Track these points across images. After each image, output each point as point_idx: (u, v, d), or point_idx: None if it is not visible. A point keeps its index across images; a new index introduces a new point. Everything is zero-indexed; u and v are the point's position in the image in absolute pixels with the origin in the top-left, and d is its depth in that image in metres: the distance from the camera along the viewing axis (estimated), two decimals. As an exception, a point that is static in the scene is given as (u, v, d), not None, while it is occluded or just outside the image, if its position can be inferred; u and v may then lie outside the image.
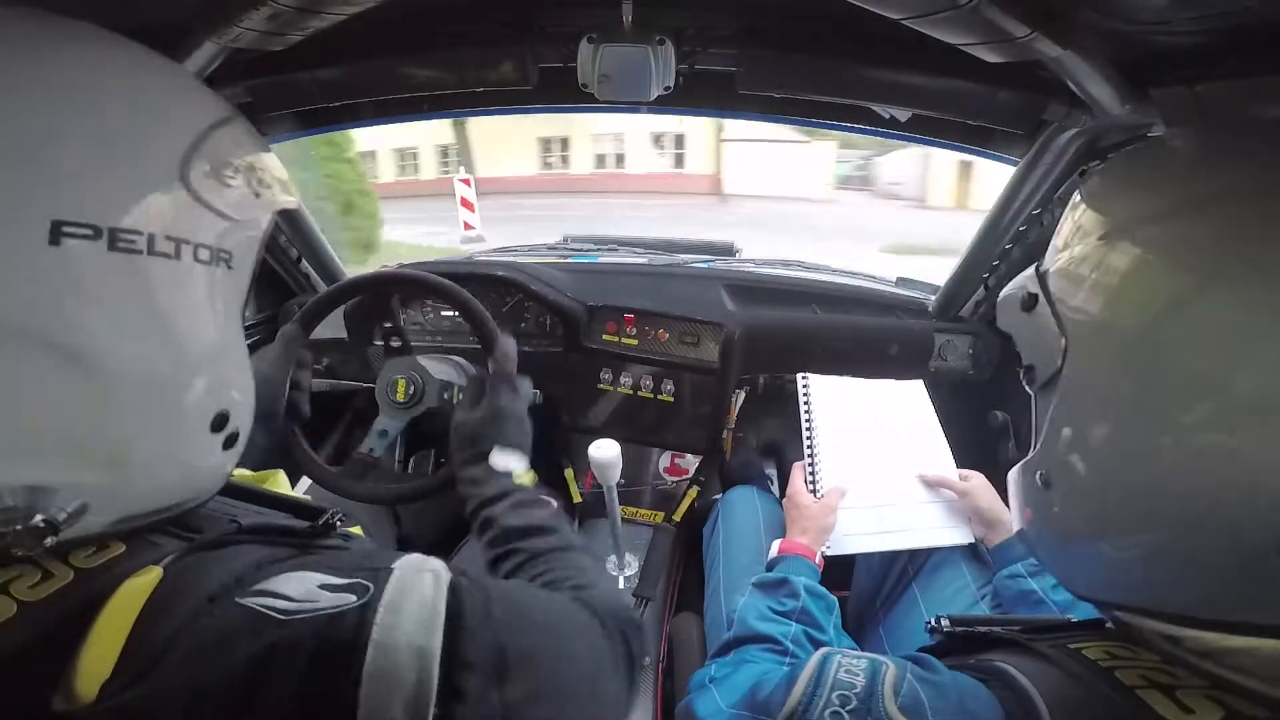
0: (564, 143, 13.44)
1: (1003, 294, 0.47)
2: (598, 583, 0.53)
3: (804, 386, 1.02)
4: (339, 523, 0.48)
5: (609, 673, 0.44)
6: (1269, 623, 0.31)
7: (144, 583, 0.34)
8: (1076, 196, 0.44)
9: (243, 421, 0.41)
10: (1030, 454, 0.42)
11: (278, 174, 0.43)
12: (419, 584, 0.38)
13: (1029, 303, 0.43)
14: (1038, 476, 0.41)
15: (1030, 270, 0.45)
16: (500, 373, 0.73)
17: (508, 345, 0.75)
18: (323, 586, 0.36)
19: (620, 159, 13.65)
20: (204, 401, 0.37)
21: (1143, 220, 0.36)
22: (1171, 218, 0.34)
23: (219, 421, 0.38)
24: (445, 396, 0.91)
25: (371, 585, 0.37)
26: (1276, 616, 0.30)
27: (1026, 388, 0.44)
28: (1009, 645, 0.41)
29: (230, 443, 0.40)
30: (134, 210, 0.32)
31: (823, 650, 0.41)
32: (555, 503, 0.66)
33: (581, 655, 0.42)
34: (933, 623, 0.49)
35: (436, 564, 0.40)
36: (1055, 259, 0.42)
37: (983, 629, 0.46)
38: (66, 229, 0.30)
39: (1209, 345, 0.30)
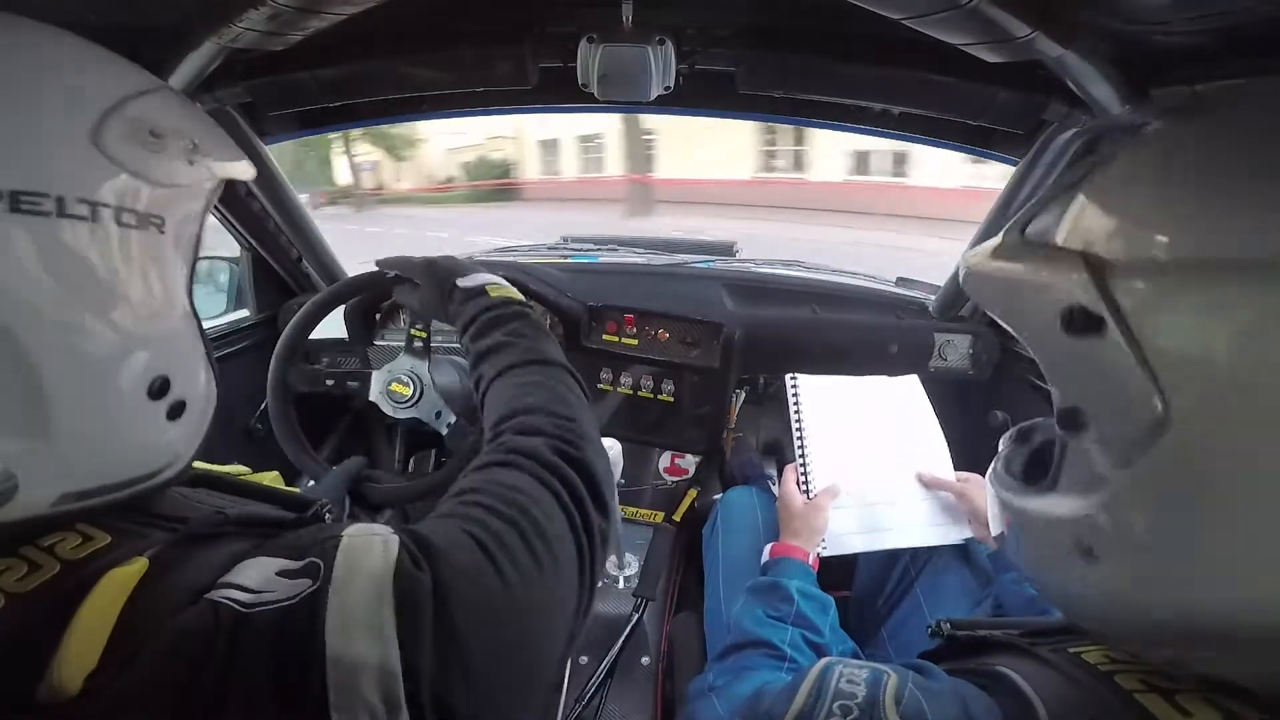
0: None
1: (1014, 296, 0.35)
2: (542, 395, 0.52)
3: (793, 387, 1.02)
4: (328, 514, 0.47)
5: (558, 537, 0.43)
6: None
7: (129, 573, 0.34)
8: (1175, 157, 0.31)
9: (190, 393, 0.40)
10: (1066, 509, 0.34)
11: (219, 144, 0.43)
12: (367, 556, 0.37)
13: (1083, 323, 0.30)
14: (1077, 543, 0.33)
15: (1084, 275, 0.30)
16: (402, 262, 0.74)
17: (390, 259, 0.76)
18: (280, 573, 0.35)
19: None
20: (135, 365, 0.37)
21: None
22: None
23: (157, 388, 0.38)
24: (437, 415, 0.91)
25: (322, 563, 0.36)
26: None
27: (1060, 431, 0.34)
28: (1010, 649, 0.41)
29: (175, 413, 0.39)
30: (37, 173, 0.32)
31: (825, 660, 0.41)
32: (527, 312, 0.64)
33: (537, 589, 0.41)
34: (934, 626, 0.49)
35: (384, 529, 0.39)
36: (1134, 264, 0.29)
37: (984, 633, 0.46)
38: None
39: None
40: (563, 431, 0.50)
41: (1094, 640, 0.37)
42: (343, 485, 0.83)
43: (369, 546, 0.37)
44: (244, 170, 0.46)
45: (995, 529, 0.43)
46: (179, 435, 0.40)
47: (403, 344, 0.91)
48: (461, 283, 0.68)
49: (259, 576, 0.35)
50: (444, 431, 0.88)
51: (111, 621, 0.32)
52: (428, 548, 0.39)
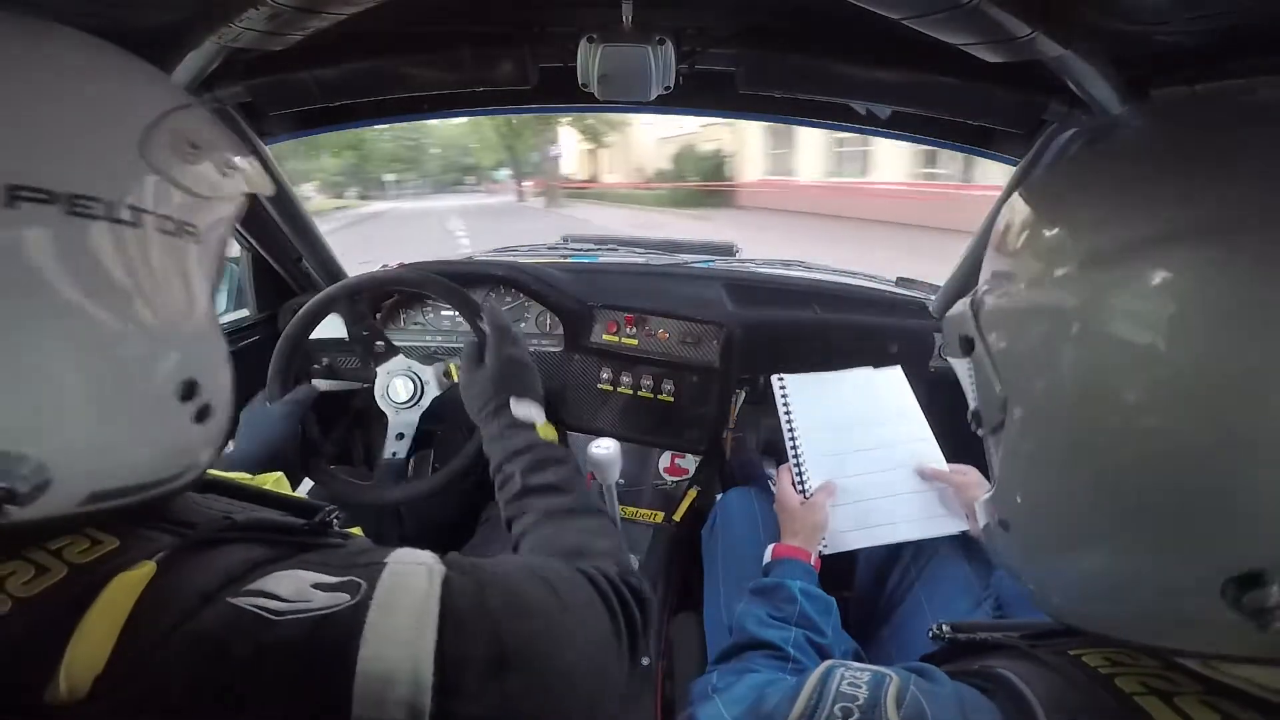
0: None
1: (945, 324, 0.44)
2: (604, 549, 0.53)
3: (781, 388, 1.02)
4: (335, 520, 0.48)
5: (607, 647, 0.44)
6: (1219, 653, 0.32)
7: (137, 576, 0.34)
8: (1014, 206, 0.39)
9: (216, 397, 0.41)
10: (989, 492, 0.42)
11: (243, 160, 0.45)
12: (412, 579, 0.38)
13: (966, 346, 0.40)
14: (995, 520, 0.41)
15: (965, 304, 0.41)
16: (496, 325, 0.73)
17: (493, 307, 0.75)
18: (316, 586, 0.36)
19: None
20: (169, 368, 0.38)
21: (1100, 255, 0.32)
22: (1141, 251, 0.30)
23: (187, 390, 0.38)
24: (446, 379, 0.92)
25: (364, 583, 0.36)
26: (1227, 648, 0.31)
27: (974, 430, 0.42)
28: (1010, 651, 0.41)
29: (203, 416, 0.40)
30: (91, 178, 0.33)
31: (828, 662, 0.41)
32: (574, 459, 0.66)
33: (579, 636, 0.42)
34: (935, 630, 0.50)
35: (429, 557, 0.40)
36: (989, 292, 0.39)
37: (984, 635, 0.46)
38: (23, 193, 0.31)
39: (1177, 387, 0.29)
40: (629, 571, 0.51)
41: (1094, 643, 0.37)
42: (295, 415, 0.85)
43: (414, 571, 0.38)
44: (266, 185, 0.47)
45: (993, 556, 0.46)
46: (203, 439, 0.41)
47: (403, 344, 0.92)
48: (515, 408, 0.67)
49: (293, 588, 0.35)
50: (456, 378, 0.91)
51: (119, 625, 0.32)
52: (479, 573, 0.40)
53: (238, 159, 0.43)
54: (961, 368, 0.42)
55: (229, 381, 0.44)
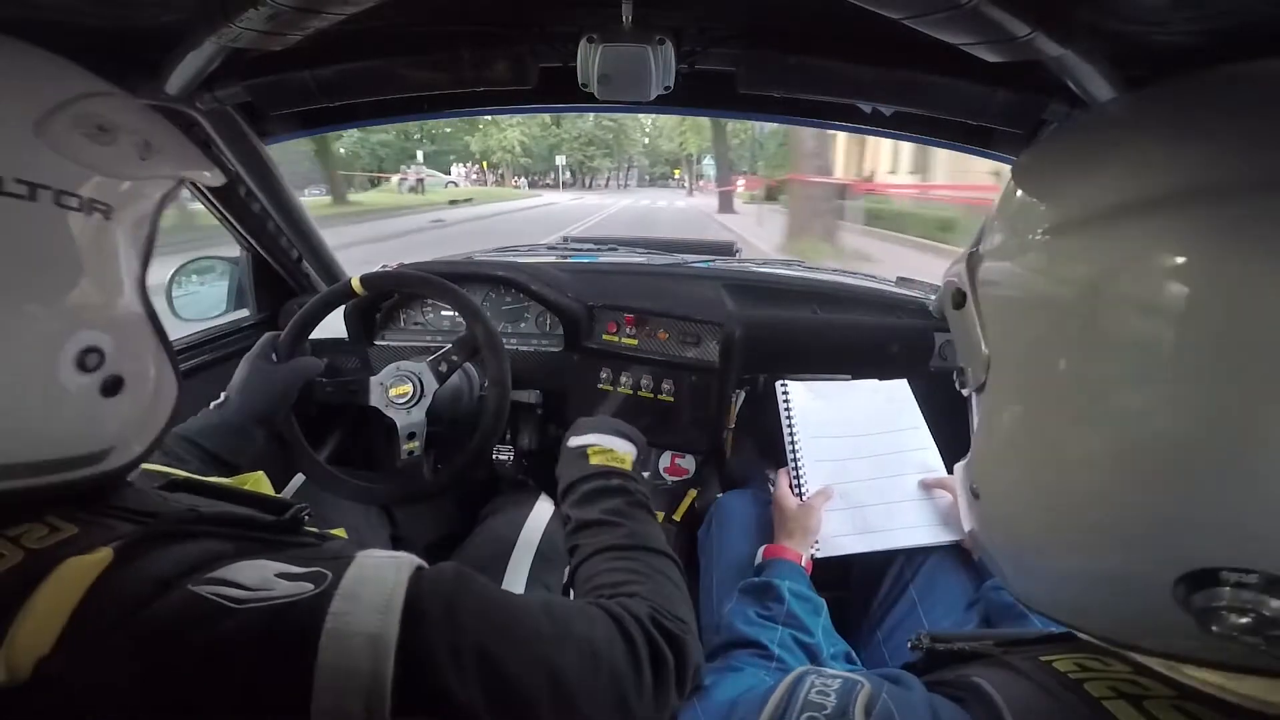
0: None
1: (945, 272, 0.43)
2: (647, 585, 0.52)
3: (784, 394, 1.02)
4: (307, 517, 0.48)
5: (610, 683, 0.42)
6: (1169, 651, 0.31)
7: (91, 561, 0.34)
8: (1010, 179, 0.39)
9: (130, 370, 0.41)
10: (966, 458, 0.41)
11: (179, 148, 0.46)
12: (379, 572, 0.37)
13: (958, 299, 0.40)
14: (970, 487, 0.40)
15: (963, 261, 0.40)
16: None
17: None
18: (280, 575, 0.36)
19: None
20: (64, 335, 0.38)
21: (1075, 220, 0.32)
22: (1111, 218, 0.30)
23: (88, 359, 0.38)
24: (443, 369, 0.92)
25: (330, 573, 0.36)
26: (1176, 647, 0.31)
27: (959, 389, 0.42)
28: (985, 659, 0.41)
29: (111, 389, 0.40)
30: None
31: (800, 669, 0.41)
32: (636, 485, 0.65)
33: (568, 664, 0.41)
34: (914, 640, 0.50)
35: (402, 555, 0.40)
36: (984, 249, 0.39)
37: (961, 645, 0.46)
38: None
39: (1137, 378, 0.29)
40: (664, 616, 0.49)
41: (1066, 649, 0.38)
42: (297, 381, 0.86)
43: (382, 565, 0.38)
44: (208, 177, 0.48)
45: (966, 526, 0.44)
46: (119, 416, 0.41)
47: (402, 344, 0.92)
48: (571, 441, 0.70)
49: (256, 577, 0.35)
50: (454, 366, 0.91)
51: (69, 608, 0.32)
52: (454, 576, 0.40)
53: (163, 141, 0.44)
54: (954, 323, 0.41)
55: (157, 367, 0.44)
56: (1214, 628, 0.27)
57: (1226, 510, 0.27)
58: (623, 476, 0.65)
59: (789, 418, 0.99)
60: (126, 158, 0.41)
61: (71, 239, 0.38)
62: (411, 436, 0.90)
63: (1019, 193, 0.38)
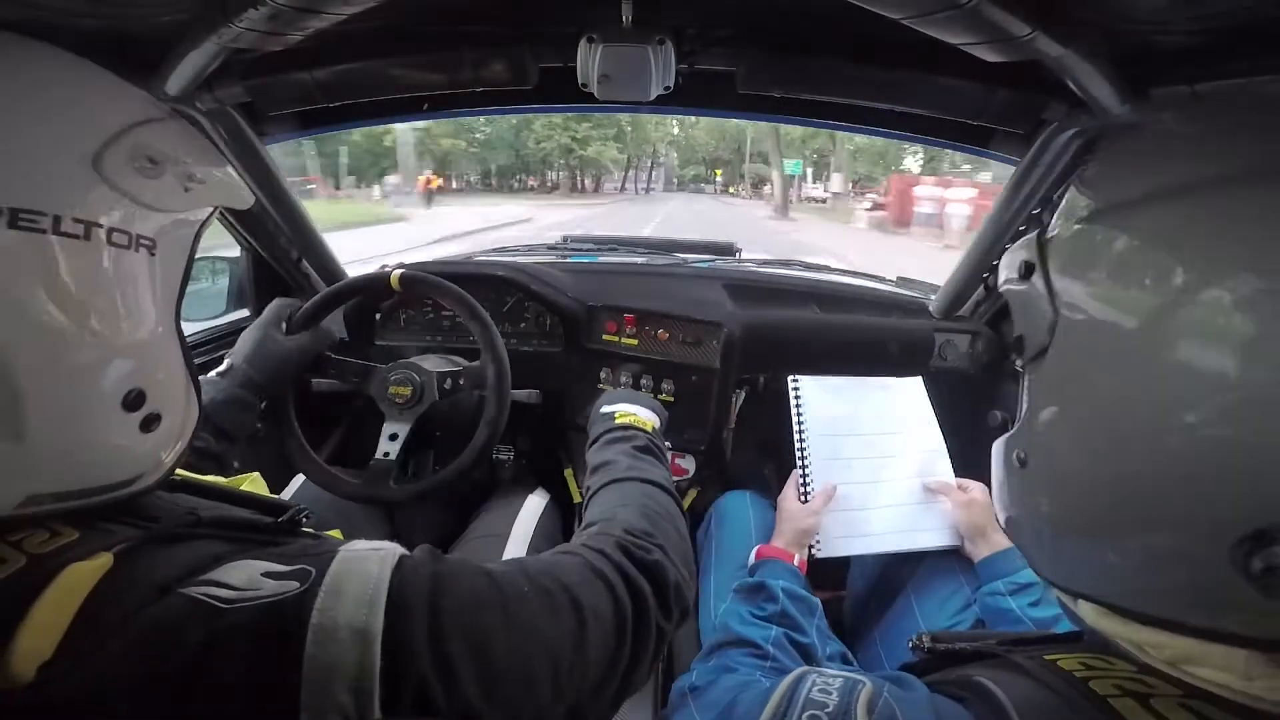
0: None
1: (1006, 254, 0.46)
2: (624, 512, 0.55)
3: (795, 389, 1.02)
4: (304, 519, 0.48)
5: (597, 629, 0.43)
6: (1218, 627, 0.31)
7: (92, 567, 0.34)
8: (1082, 170, 0.42)
9: (166, 407, 0.41)
10: (1014, 428, 0.42)
11: (219, 175, 0.45)
12: (363, 566, 0.38)
13: (1025, 270, 0.42)
14: (1015, 455, 0.41)
15: (1033, 235, 0.43)
16: None
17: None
18: (266, 574, 0.36)
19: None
20: (112, 377, 0.38)
21: (1138, 203, 0.35)
22: (1169, 201, 0.33)
23: (132, 400, 0.39)
24: (446, 386, 0.91)
25: (314, 570, 0.37)
26: (1226, 622, 0.31)
27: (1015, 360, 0.43)
28: (988, 658, 0.41)
29: (149, 425, 0.40)
30: (36, 192, 0.34)
31: (801, 669, 0.41)
32: (653, 440, 0.71)
33: (547, 628, 0.41)
34: (914, 640, 0.50)
35: (386, 546, 0.40)
36: (1056, 229, 0.41)
37: (962, 645, 0.46)
38: None
39: (1204, 339, 0.30)
40: (636, 538, 0.52)
41: (1070, 649, 0.37)
42: (306, 357, 0.87)
43: (365, 558, 0.38)
44: (238, 198, 0.47)
45: (995, 499, 0.45)
46: (153, 446, 0.41)
47: (402, 344, 0.91)
48: (603, 408, 0.78)
49: (244, 577, 0.36)
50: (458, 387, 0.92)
51: (70, 614, 0.33)
52: (432, 561, 0.40)
53: (206, 171, 0.43)
54: (1015, 294, 0.43)
55: (186, 393, 0.44)
56: (1270, 589, 0.27)
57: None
58: (641, 432, 0.72)
59: (799, 413, 0.99)
60: (172, 191, 0.41)
61: (120, 277, 0.38)
62: (393, 438, 0.89)
63: (1101, 168, 0.41)
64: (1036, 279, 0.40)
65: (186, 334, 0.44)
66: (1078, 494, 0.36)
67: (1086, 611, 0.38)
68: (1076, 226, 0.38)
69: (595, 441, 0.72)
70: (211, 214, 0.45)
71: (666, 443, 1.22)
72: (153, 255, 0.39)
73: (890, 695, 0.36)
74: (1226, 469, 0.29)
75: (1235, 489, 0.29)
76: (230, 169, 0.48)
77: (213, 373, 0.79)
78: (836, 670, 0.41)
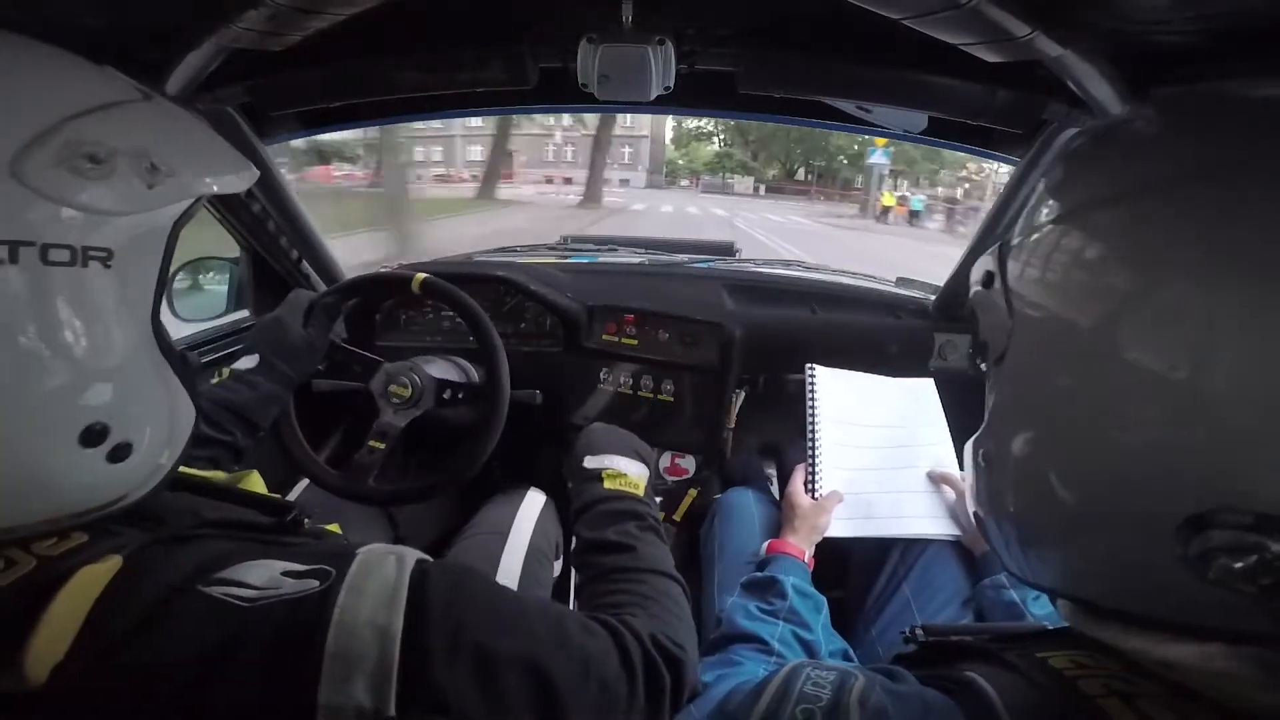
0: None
1: (976, 264, 0.46)
2: (653, 607, 0.52)
3: (811, 377, 1.02)
4: (308, 520, 0.48)
5: (599, 695, 0.42)
6: (1180, 620, 0.32)
7: (102, 570, 0.34)
8: (1043, 178, 0.43)
9: (137, 434, 0.37)
10: (980, 429, 0.43)
11: (200, 162, 0.40)
12: (382, 566, 0.38)
13: (987, 279, 0.43)
14: (980, 455, 0.42)
15: (996, 245, 0.44)
16: None
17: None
18: (286, 574, 0.36)
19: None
20: (64, 416, 0.34)
21: (1094, 204, 0.36)
22: (1111, 206, 0.34)
23: (94, 435, 0.35)
24: (444, 396, 0.91)
25: (334, 570, 0.37)
26: (1185, 614, 0.31)
27: (980, 365, 0.45)
28: (979, 654, 0.41)
29: (119, 455, 0.37)
30: None
31: (795, 662, 0.41)
32: (650, 510, 0.65)
33: (558, 669, 0.40)
34: (907, 633, 0.50)
35: (403, 549, 0.41)
36: (1016, 237, 0.42)
37: (955, 639, 0.46)
38: None
39: (1145, 341, 0.30)
40: (666, 635, 0.49)
41: (1061, 645, 0.38)
42: (326, 343, 0.86)
43: (383, 560, 0.39)
44: (233, 184, 0.42)
45: (968, 499, 0.46)
46: (131, 471, 0.38)
47: (402, 345, 0.91)
48: (587, 461, 0.69)
49: (264, 576, 0.36)
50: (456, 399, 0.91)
51: (81, 616, 0.33)
52: (454, 568, 0.41)
53: (178, 159, 0.38)
54: (979, 301, 0.44)
55: (165, 405, 0.40)
56: (1210, 575, 0.28)
57: (1218, 453, 0.28)
58: (636, 500, 0.66)
59: (813, 400, 0.99)
60: (128, 189, 0.35)
61: (67, 300, 0.33)
62: (382, 436, 0.89)
63: (1046, 181, 0.42)
64: (996, 286, 0.42)
65: (187, 334, 0.44)
66: (1035, 492, 0.37)
67: (1064, 609, 0.39)
68: (1030, 235, 0.39)
69: (587, 510, 0.64)
70: (193, 207, 0.39)
71: (666, 451, 1.22)
72: (108, 267, 0.34)
73: (882, 689, 0.37)
74: (1165, 459, 0.30)
75: (1174, 478, 0.30)
76: (222, 150, 0.43)
77: (242, 365, 0.78)
78: (831, 663, 0.41)
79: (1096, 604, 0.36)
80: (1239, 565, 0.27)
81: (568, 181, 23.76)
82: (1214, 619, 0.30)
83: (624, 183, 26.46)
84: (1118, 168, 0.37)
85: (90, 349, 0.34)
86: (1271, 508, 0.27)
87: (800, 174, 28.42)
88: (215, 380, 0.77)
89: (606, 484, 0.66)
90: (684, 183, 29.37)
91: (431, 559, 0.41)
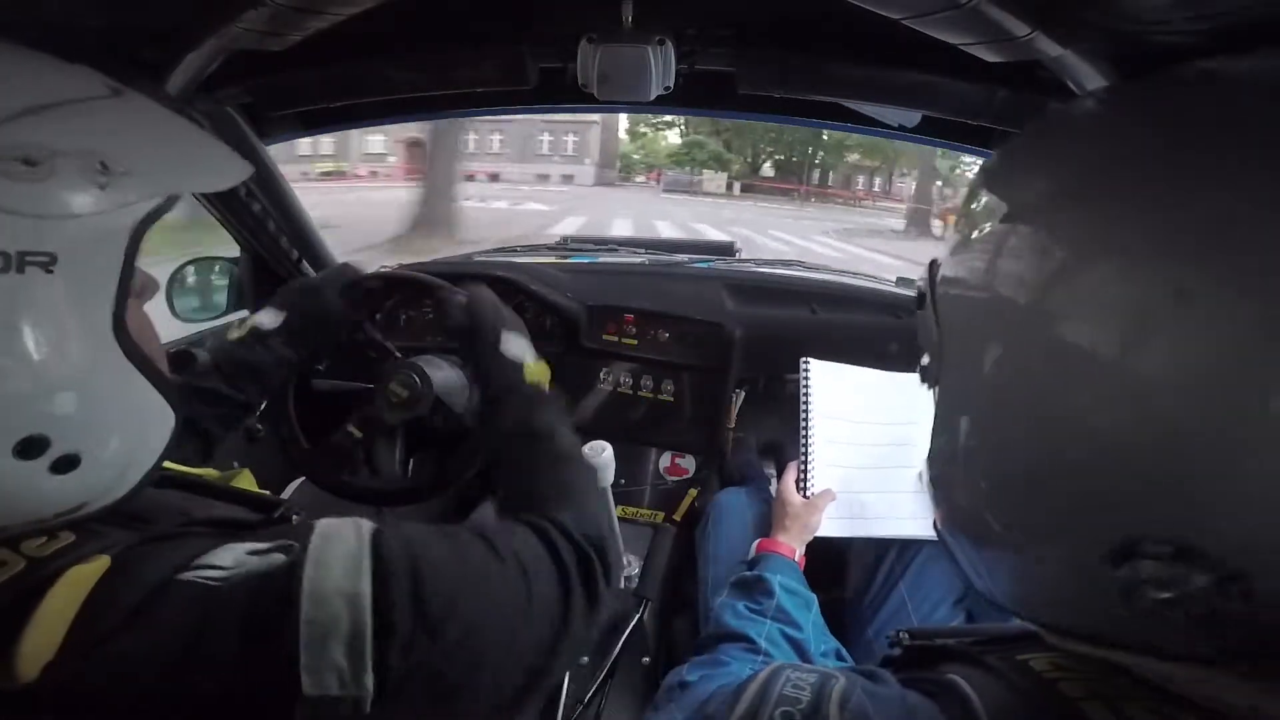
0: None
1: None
2: (571, 501, 0.55)
3: (805, 371, 1.01)
4: (296, 516, 0.49)
5: (547, 598, 0.46)
6: (1132, 641, 0.31)
7: (91, 569, 0.35)
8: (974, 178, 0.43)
9: (86, 445, 0.36)
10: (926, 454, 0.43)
11: (165, 160, 0.39)
12: (341, 536, 0.39)
13: (919, 301, 0.43)
14: (925, 476, 0.42)
15: (928, 265, 0.44)
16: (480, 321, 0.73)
17: (477, 293, 0.75)
18: (251, 553, 0.38)
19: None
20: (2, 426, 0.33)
21: (1000, 216, 0.35)
22: (1029, 214, 0.33)
23: (30, 447, 0.33)
24: (437, 418, 0.90)
25: (296, 543, 0.38)
26: (1138, 636, 0.31)
27: (924, 385, 0.44)
28: (962, 657, 0.41)
29: (63, 467, 0.35)
30: None
31: (775, 664, 0.41)
32: (556, 399, 0.69)
33: (506, 596, 0.44)
34: (893, 636, 0.50)
35: (359, 520, 0.42)
36: (945, 254, 0.42)
37: (940, 642, 0.46)
38: None
39: (1060, 351, 0.29)
40: (587, 522, 0.53)
41: (1043, 648, 0.37)
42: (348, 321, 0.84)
43: (343, 527, 0.40)
44: (212, 182, 0.42)
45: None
46: (81, 484, 0.37)
47: (403, 345, 0.91)
48: (504, 347, 0.69)
49: (230, 557, 0.37)
50: (459, 410, 0.89)
51: (71, 616, 0.33)
52: (405, 527, 0.43)
53: (138, 158, 0.36)
54: (918, 323, 0.44)
55: (131, 409, 0.39)
56: (1139, 606, 0.27)
57: (1144, 481, 0.27)
58: (549, 395, 0.69)
59: (806, 395, 0.98)
60: (70, 190, 0.33)
61: (8, 308, 0.32)
62: (364, 425, 0.88)
63: (966, 199, 0.42)
64: (928, 306, 0.41)
65: (187, 334, 0.44)
66: (969, 511, 0.37)
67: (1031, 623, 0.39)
68: (947, 254, 0.40)
69: (509, 394, 0.66)
70: (163, 206, 0.38)
71: (666, 451, 1.22)
72: (50, 272, 0.33)
73: (863, 691, 0.36)
74: (1085, 487, 0.29)
75: (1096, 506, 0.29)
76: (201, 148, 0.43)
77: (260, 319, 0.77)
78: (812, 665, 0.41)
79: (1048, 624, 0.36)
80: (1165, 597, 0.26)
81: (494, 179, 19.45)
82: (1173, 644, 0.29)
83: (567, 179, 21.50)
84: (1047, 171, 0.36)
85: (27, 359, 0.33)
86: (1191, 539, 0.26)
87: (794, 170, 24.61)
88: (234, 335, 0.76)
89: (529, 378, 0.68)
90: (641, 178, 24.49)
91: (389, 527, 0.42)
